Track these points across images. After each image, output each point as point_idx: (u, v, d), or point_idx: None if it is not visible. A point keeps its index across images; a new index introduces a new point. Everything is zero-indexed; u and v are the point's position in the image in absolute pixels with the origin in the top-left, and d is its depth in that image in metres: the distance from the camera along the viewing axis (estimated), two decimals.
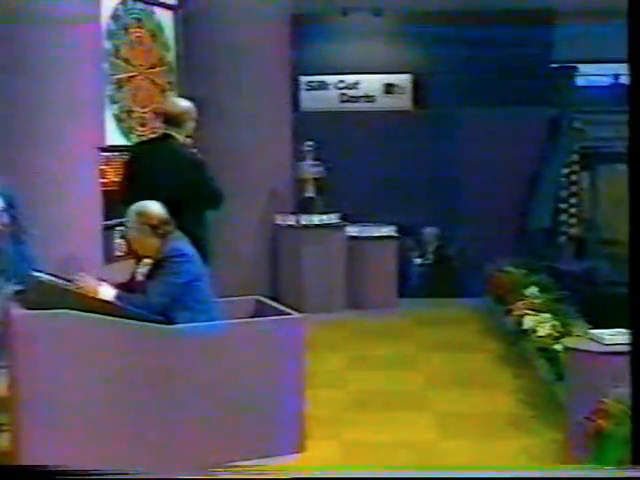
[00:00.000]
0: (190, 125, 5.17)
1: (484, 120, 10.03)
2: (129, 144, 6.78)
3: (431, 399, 5.22)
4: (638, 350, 2.78)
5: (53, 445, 3.77)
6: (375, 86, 11.13)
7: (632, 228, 2.66)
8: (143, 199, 4.33)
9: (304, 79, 10.88)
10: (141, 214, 4.23)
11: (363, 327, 7.20)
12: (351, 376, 5.75)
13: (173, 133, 5.10)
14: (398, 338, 6.82)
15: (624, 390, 3.73)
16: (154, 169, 5.00)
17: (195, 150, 5.29)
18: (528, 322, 5.80)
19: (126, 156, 5.66)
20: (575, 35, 10.57)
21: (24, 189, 5.07)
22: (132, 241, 4.34)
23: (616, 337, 4.10)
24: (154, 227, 4.19)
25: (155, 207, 4.25)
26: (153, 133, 6.49)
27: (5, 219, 4.76)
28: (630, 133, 2.68)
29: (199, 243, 4.46)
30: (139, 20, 7.33)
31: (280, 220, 7.90)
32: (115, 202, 5.37)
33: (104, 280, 4.23)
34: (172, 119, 5.12)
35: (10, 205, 4.76)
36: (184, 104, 5.23)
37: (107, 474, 3.12)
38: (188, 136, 5.22)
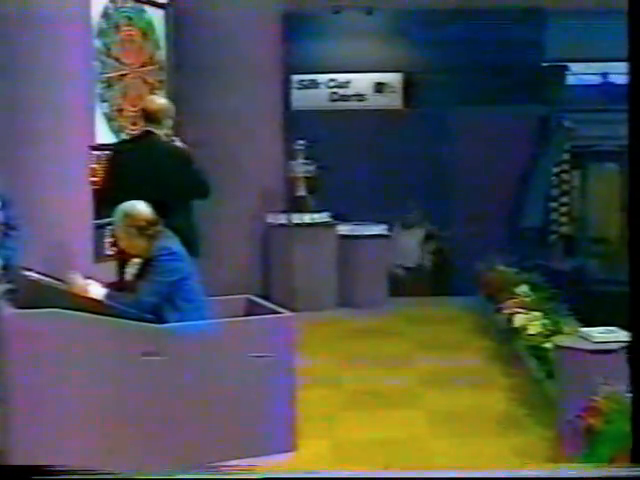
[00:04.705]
0: (169, 122, 5.27)
1: (475, 119, 10.04)
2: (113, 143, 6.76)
3: (422, 397, 5.22)
4: (638, 350, 2.79)
5: (44, 444, 3.76)
6: (366, 85, 11.14)
7: (632, 228, 2.66)
8: (131, 197, 4.32)
9: (295, 78, 10.88)
10: (128, 216, 4.20)
11: (354, 326, 7.20)
12: (342, 375, 5.75)
13: (154, 129, 5.15)
14: (389, 336, 6.82)
15: (614, 388, 3.74)
16: (140, 166, 5.03)
17: (176, 140, 5.34)
18: (519, 320, 5.81)
19: (110, 155, 5.64)
20: (566, 34, 10.60)
21: (14, 188, 5.06)
22: (120, 242, 4.32)
23: (606, 335, 4.11)
24: (142, 228, 4.18)
25: (142, 208, 4.22)
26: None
27: (0, 218, 4.77)
28: (630, 133, 2.67)
29: (186, 234, 4.45)
30: (130, 18, 7.31)
31: (271, 219, 7.89)
32: (103, 201, 5.34)
33: (94, 279, 4.22)
34: (151, 116, 5.21)
35: (3, 204, 4.76)
36: (161, 101, 5.36)
37: (97, 473, 3.12)
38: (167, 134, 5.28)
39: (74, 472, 2.84)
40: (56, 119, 5.63)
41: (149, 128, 5.20)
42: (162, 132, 5.21)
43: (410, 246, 9.71)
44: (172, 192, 4.85)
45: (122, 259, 4.64)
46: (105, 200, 5.14)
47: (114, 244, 4.89)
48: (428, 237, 9.82)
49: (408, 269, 9.62)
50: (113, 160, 5.37)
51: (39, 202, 5.49)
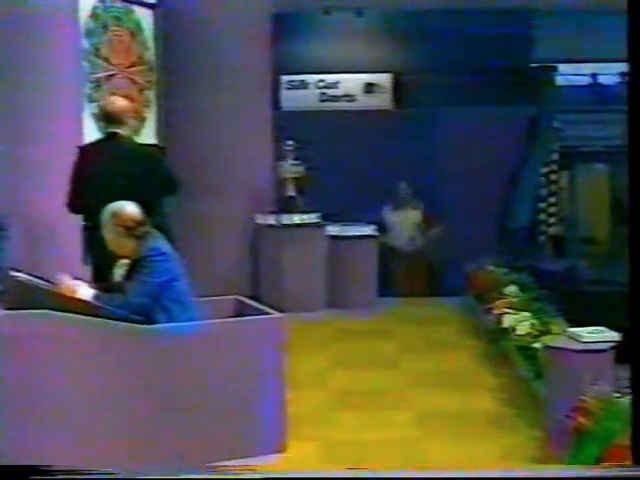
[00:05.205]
0: (131, 123, 5.27)
1: (464, 119, 10.07)
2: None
3: (412, 398, 5.23)
4: (638, 350, 2.79)
5: (32, 445, 3.75)
6: (355, 85, 11.15)
7: (632, 228, 2.67)
8: (103, 199, 4.31)
9: (285, 78, 10.88)
10: (116, 216, 4.18)
11: (344, 326, 7.19)
12: (332, 376, 5.75)
13: (117, 131, 5.14)
14: (379, 337, 6.83)
15: (603, 387, 3.76)
16: (108, 167, 5.00)
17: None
18: (507, 321, 5.83)
19: (76, 159, 5.55)
20: (555, 35, 10.64)
21: (3, 188, 5.04)
22: (108, 243, 4.29)
23: (595, 335, 4.13)
24: (130, 229, 4.16)
25: (130, 208, 4.21)
26: None
27: None
28: (630, 133, 2.68)
29: (160, 232, 4.44)
30: (118, 19, 7.30)
31: (261, 219, 7.88)
32: (73, 205, 5.24)
33: (83, 280, 4.21)
34: (113, 118, 5.17)
35: None
36: (122, 102, 5.31)
37: (92, 473, 3.11)
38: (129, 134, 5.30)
39: (71, 472, 2.83)
40: (48, 120, 5.62)
41: (113, 129, 5.16)
42: (126, 132, 5.19)
43: (404, 226, 9.67)
44: (143, 191, 4.80)
45: (99, 263, 4.63)
46: (75, 204, 5.10)
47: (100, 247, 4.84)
48: (428, 222, 9.76)
49: (402, 252, 9.58)
50: (80, 164, 5.27)
51: (28, 203, 5.47)
